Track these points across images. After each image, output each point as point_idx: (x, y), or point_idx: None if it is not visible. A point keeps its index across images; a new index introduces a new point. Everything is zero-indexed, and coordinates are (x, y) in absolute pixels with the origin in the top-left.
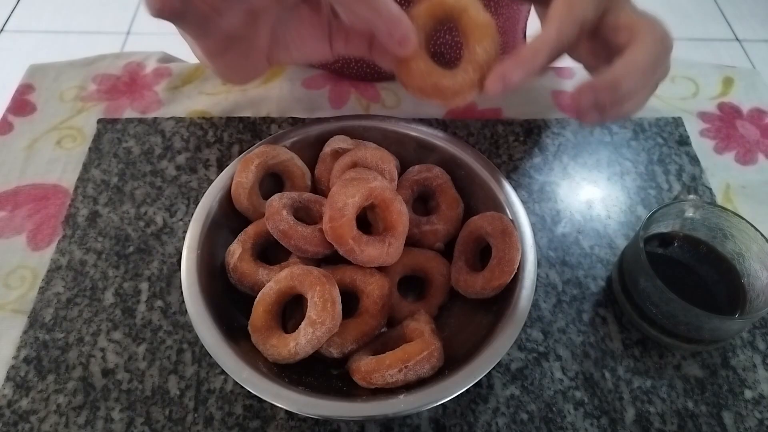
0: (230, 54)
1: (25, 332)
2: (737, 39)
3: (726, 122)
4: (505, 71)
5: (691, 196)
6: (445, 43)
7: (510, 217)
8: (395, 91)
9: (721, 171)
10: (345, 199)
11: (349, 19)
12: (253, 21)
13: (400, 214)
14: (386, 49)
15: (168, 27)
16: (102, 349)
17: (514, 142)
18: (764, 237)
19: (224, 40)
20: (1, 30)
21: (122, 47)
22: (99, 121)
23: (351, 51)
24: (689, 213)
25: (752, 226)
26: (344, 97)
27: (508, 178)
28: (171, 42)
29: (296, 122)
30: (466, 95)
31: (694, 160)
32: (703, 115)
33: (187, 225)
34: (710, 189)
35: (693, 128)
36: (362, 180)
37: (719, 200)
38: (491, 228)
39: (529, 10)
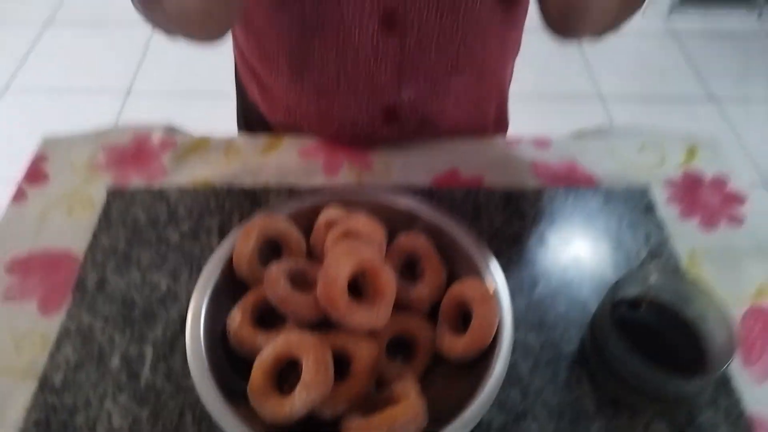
0: None
1: (35, 395)
2: (712, 97)
3: (690, 189)
4: None
5: (654, 264)
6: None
7: (489, 283)
8: (386, 159)
9: (686, 236)
10: (337, 269)
11: None
12: None
13: (388, 281)
14: None
15: (166, 86)
16: (108, 412)
17: (494, 210)
18: (719, 302)
19: None
20: (7, 89)
21: (123, 105)
22: (108, 190)
23: None
24: (653, 279)
25: (708, 292)
26: (338, 166)
27: (489, 244)
28: (169, 102)
29: (293, 192)
30: None
31: (660, 226)
32: (669, 183)
33: (190, 290)
34: (675, 254)
35: (660, 195)
36: (353, 250)
37: (685, 264)
38: (472, 294)
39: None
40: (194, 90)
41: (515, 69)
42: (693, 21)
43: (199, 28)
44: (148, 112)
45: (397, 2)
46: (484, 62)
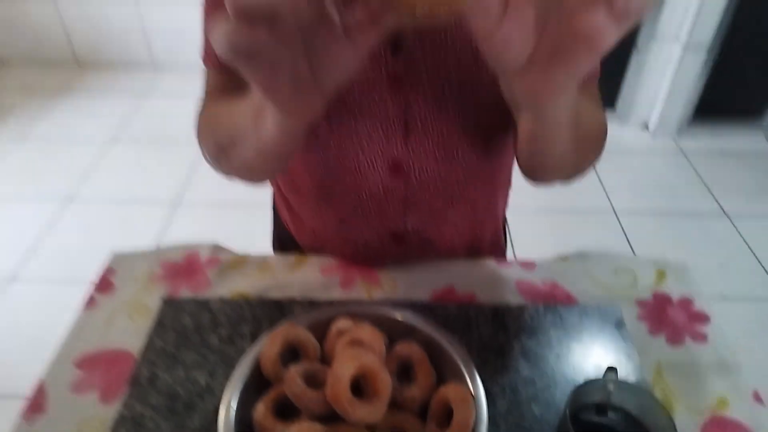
0: (282, 87)
1: None
2: (725, 214)
3: (659, 309)
4: None
5: (611, 374)
6: None
7: (470, 388)
8: (392, 276)
9: (654, 350)
10: (342, 371)
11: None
12: (288, 50)
13: (385, 383)
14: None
15: (210, 198)
16: None
17: (483, 323)
18: (668, 411)
19: (270, 72)
20: (72, 201)
21: (171, 214)
22: (163, 299)
23: (365, 33)
24: (610, 387)
25: (660, 402)
26: (352, 282)
27: (478, 354)
28: (213, 212)
29: (313, 304)
30: None
31: (629, 341)
32: (640, 302)
33: (224, 386)
34: (642, 367)
35: (631, 313)
36: (357, 355)
37: (652, 376)
38: (454, 396)
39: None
40: (235, 201)
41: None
42: (702, 140)
43: (256, 176)
44: (194, 221)
45: (402, 153)
46: (476, 197)
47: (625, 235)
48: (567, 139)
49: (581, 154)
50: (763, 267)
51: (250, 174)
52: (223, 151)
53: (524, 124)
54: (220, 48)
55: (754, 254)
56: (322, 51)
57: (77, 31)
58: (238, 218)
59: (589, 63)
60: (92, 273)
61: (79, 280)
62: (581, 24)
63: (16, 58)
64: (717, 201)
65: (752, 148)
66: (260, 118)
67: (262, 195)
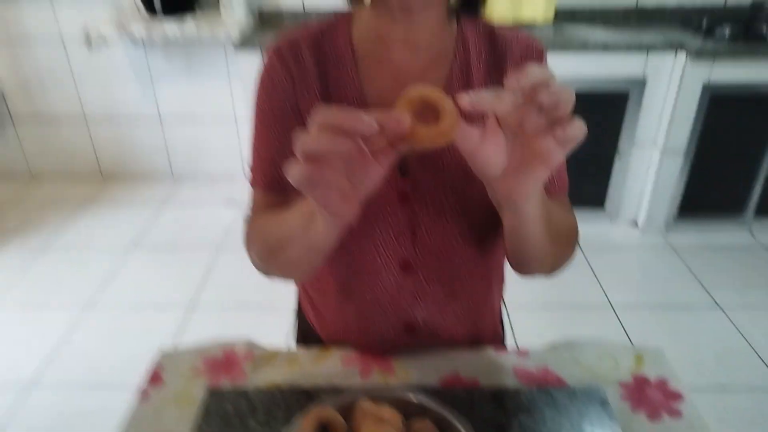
0: (332, 199)
1: None
2: (718, 305)
3: (638, 389)
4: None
5: None
6: None
7: None
8: (405, 365)
9: (635, 426)
10: None
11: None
12: (337, 173)
13: None
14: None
15: (223, 301)
16: None
17: (485, 403)
18: None
19: (325, 190)
20: (92, 307)
21: (187, 318)
22: (206, 390)
23: (386, 155)
24: None
25: None
26: (370, 371)
27: (479, 429)
28: (226, 315)
29: (338, 390)
30: (455, 129)
31: (613, 418)
32: (622, 383)
33: None
34: None
35: (614, 393)
36: (379, 430)
37: None
38: None
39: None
40: (245, 304)
41: (536, 282)
42: (689, 235)
43: (297, 271)
44: (208, 323)
45: (411, 254)
46: (473, 293)
47: (623, 327)
48: (542, 234)
49: (557, 248)
50: (759, 357)
51: (293, 270)
52: (272, 252)
53: (506, 220)
54: (294, 180)
55: (750, 344)
56: (358, 170)
57: (105, 148)
58: (247, 320)
59: (547, 173)
60: (111, 376)
61: (98, 384)
62: (537, 147)
63: (47, 172)
64: (709, 293)
65: (737, 242)
66: (311, 221)
67: (268, 299)
